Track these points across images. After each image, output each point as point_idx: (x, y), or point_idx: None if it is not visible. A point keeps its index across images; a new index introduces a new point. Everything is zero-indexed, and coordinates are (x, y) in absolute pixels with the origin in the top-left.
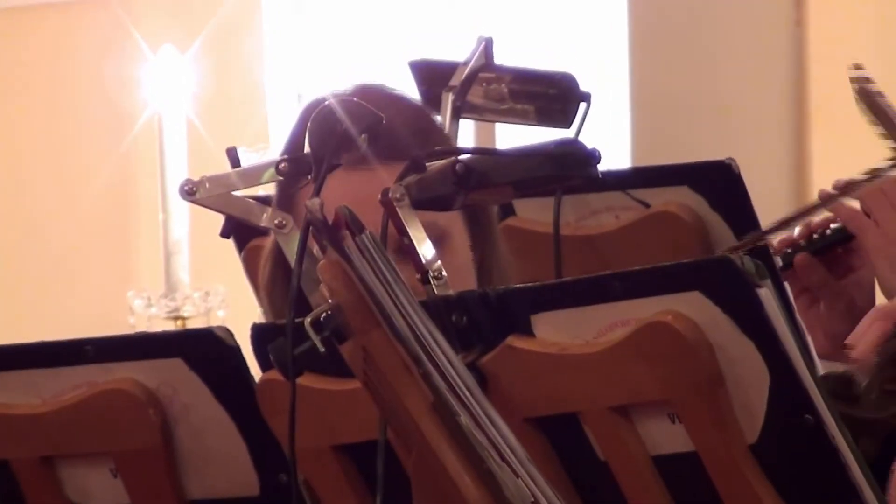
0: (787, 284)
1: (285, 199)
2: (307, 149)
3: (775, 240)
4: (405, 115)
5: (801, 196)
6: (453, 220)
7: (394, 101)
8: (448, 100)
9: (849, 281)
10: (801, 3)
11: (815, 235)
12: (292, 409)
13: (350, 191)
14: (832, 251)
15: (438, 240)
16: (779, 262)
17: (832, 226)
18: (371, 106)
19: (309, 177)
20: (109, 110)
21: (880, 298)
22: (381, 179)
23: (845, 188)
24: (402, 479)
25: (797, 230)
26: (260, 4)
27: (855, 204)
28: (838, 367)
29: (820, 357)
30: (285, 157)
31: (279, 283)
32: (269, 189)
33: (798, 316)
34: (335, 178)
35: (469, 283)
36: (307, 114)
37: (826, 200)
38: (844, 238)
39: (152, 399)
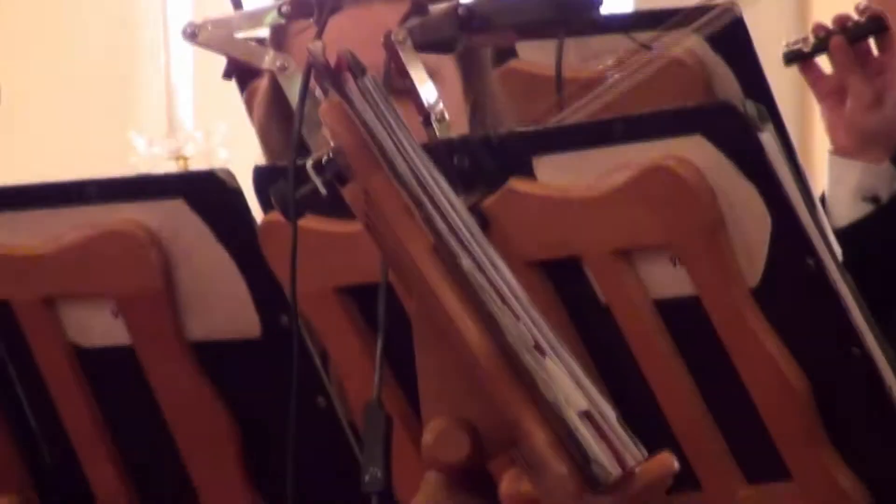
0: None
1: (281, 40)
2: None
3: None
4: None
5: (802, 33)
6: (444, 60)
7: None
8: None
9: (878, 79)
10: None
11: (849, 24)
12: (293, 251)
13: (345, 26)
14: (864, 43)
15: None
16: (811, 43)
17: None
18: None
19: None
20: None
21: None
22: (373, 13)
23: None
24: (404, 321)
25: (832, 18)
26: None
27: None
28: (856, 165)
29: (840, 153)
30: None
31: (274, 124)
32: None
33: (800, 161)
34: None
35: (460, 122)
36: None
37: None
38: (879, 28)
39: (154, 240)
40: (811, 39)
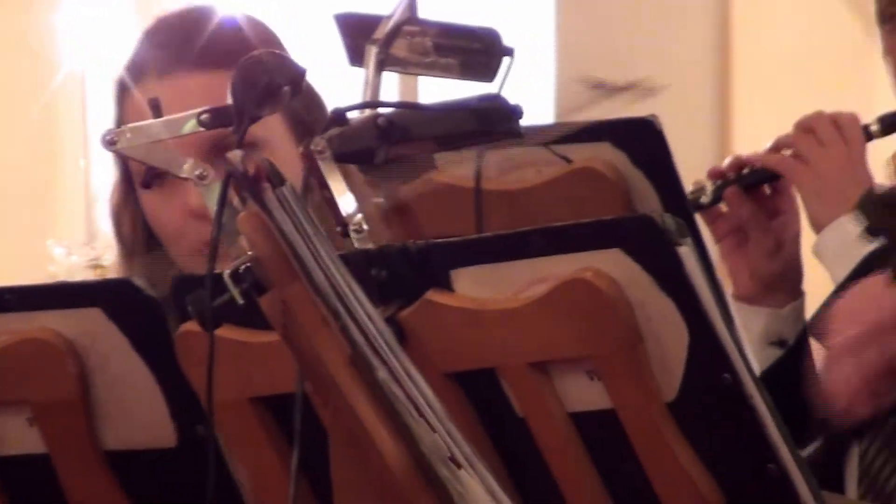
0: (708, 247)
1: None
2: (230, 100)
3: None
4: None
5: (723, 153)
6: (277, 133)
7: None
8: (372, 52)
9: (776, 223)
10: None
11: (745, 171)
12: (210, 361)
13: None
14: (760, 188)
15: (253, 145)
16: (708, 194)
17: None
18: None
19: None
20: (33, 57)
21: (806, 244)
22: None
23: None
24: (320, 432)
25: (727, 163)
26: None
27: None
28: (762, 311)
29: (744, 300)
30: (207, 108)
31: (128, 209)
32: None
33: (718, 275)
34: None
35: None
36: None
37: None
38: (774, 175)
39: (70, 349)
40: (708, 188)
